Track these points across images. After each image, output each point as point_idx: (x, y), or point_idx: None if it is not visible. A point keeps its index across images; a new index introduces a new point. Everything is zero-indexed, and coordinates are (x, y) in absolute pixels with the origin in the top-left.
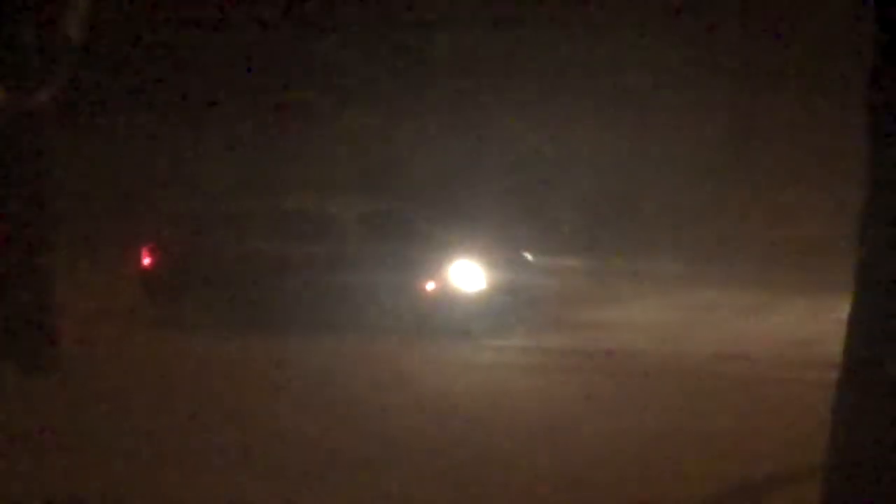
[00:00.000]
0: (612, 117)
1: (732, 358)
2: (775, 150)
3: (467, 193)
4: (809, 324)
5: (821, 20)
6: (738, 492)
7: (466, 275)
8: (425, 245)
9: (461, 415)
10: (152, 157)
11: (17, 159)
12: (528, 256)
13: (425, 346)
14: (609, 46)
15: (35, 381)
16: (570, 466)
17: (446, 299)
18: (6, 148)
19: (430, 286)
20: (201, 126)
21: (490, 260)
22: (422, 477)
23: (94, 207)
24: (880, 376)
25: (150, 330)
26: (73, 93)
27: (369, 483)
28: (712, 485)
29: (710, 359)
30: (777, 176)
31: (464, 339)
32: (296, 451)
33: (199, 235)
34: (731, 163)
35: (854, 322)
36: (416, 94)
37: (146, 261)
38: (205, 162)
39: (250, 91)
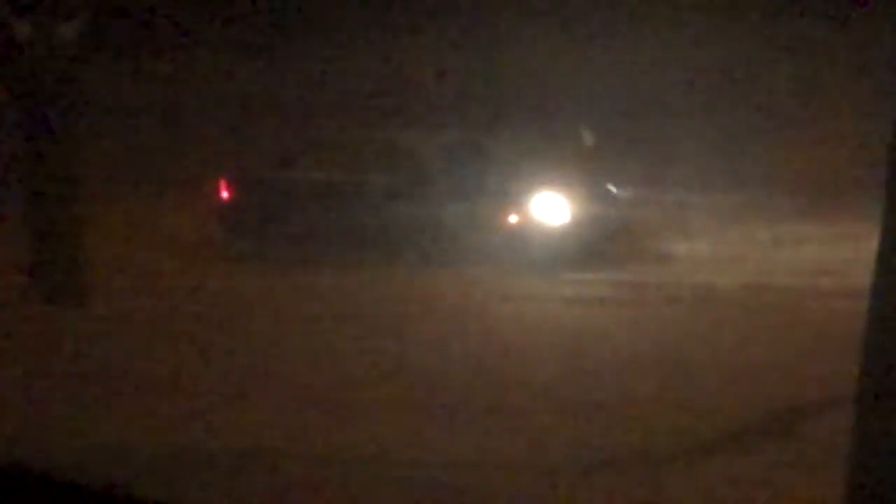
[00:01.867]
0: (692, 54)
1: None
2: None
3: (549, 125)
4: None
5: None
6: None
7: (549, 207)
8: (507, 176)
9: (542, 349)
10: (207, 93)
11: (45, 97)
12: (613, 189)
13: (507, 279)
14: None
15: (64, 312)
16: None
17: (529, 232)
18: (33, 85)
19: (512, 218)
20: (255, 58)
21: (573, 192)
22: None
23: (148, 145)
24: None
25: (224, 263)
26: (106, 27)
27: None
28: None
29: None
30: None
31: (546, 272)
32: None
33: (278, 168)
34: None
35: (881, 258)
36: (494, 21)
37: (223, 194)
38: (268, 95)
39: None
